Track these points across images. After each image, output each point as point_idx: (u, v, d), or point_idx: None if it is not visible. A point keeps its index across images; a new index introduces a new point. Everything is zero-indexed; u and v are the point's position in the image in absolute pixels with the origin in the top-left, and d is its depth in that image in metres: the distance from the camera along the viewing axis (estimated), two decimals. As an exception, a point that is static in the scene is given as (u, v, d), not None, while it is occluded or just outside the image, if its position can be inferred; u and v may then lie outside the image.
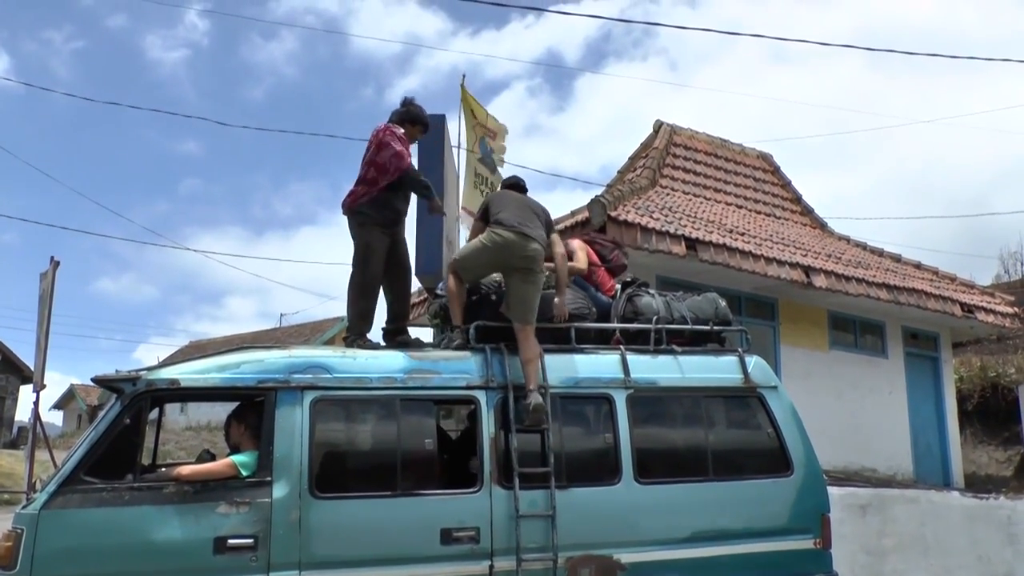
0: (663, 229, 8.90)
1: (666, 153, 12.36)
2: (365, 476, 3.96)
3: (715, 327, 4.80)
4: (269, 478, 3.69)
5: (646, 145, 12.79)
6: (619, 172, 12.57)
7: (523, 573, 3.86)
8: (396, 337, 4.78)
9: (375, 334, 4.85)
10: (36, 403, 7.87)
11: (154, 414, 4.35)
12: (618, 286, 5.08)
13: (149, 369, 3.92)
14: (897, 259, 12.80)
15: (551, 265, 4.78)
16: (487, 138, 7.56)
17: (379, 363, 4.11)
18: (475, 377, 4.17)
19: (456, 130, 7.12)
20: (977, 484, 12.25)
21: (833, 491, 5.01)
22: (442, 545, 3.80)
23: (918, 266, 12.68)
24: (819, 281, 10.07)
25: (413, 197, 5.01)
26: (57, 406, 43.28)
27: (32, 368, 8.59)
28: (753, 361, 4.68)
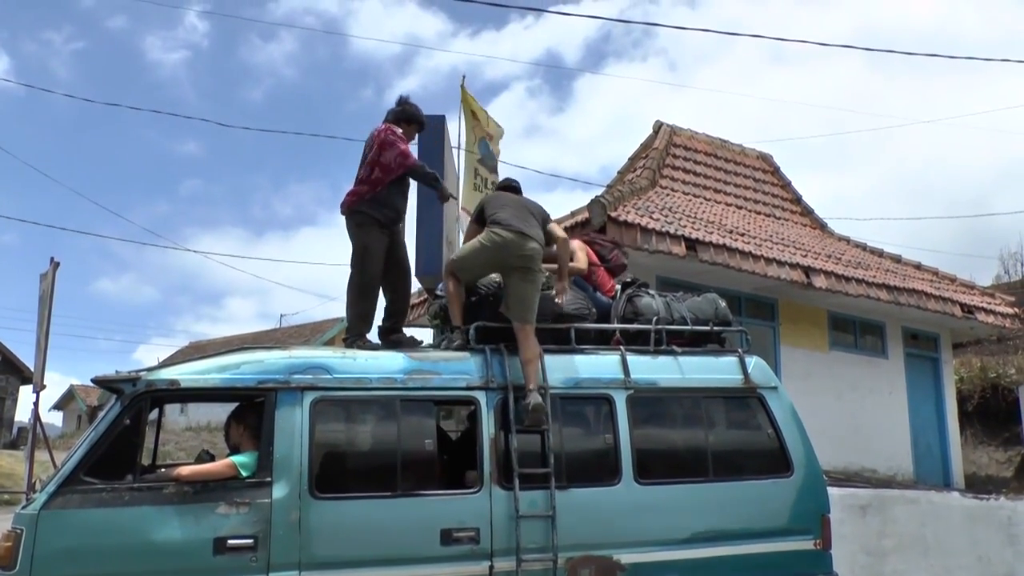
0: (663, 230, 8.90)
1: (666, 154, 12.37)
2: (365, 477, 3.96)
3: (715, 328, 4.79)
4: (269, 478, 3.69)
5: (646, 146, 12.79)
6: (619, 173, 12.57)
7: (523, 573, 3.86)
8: (391, 335, 4.78)
9: (374, 334, 4.86)
10: (36, 404, 7.88)
11: (154, 415, 4.34)
12: (618, 287, 5.08)
13: (149, 370, 3.92)
14: (897, 260, 12.80)
15: (551, 266, 4.78)
16: (487, 139, 7.56)
17: (379, 364, 4.10)
18: (475, 378, 4.17)
19: (456, 131, 7.13)
20: (977, 485, 12.25)
21: (833, 491, 5.01)
22: (442, 546, 3.79)
23: (918, 267, 12.68)
24: (819, 282, 10.07)
25: (412, 196, 5.03)
26: (57, 407, 43.30)
27: (32, 369, 8.59)
28: (753, 362, 4.68)
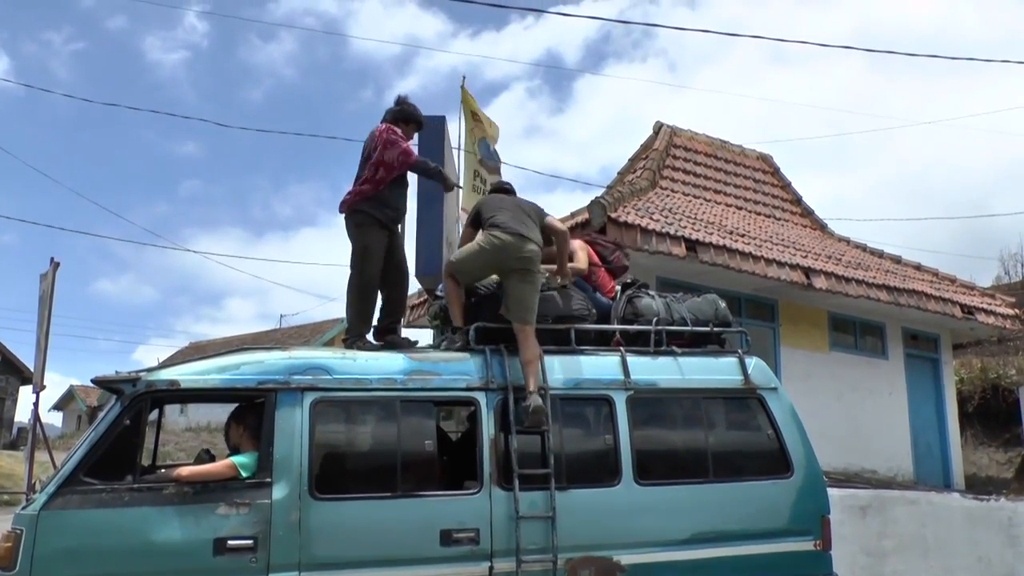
0: (663, 230, 8.90)
1: (666, 154, 12.37)
2: (365, 477, 3.96)
3: (715, 328, 4.79)
4: (269, 479, 3.69)
5: (646, 146, 12.80)
6: (619, 173, 12.58)
7: (523, 574, 3.86)
8: (386, 336, 4.78)
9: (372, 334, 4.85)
10: (36, 404, 7.88)
11: (154, 415, 4.34)
12: (618, 287, 5.09)
13: (149, 370, 3.92)
14: (897, 260, 12.80)
15: (550, 266, 4.79)
16: (487, 140, 7.55)
17: (379, 364, 4.10)
18: (475, 378, 4.17)
19: (456, 132, 7.13)
20: (977, 486, 12.25)
21: (833, 492, 5.01)
22: (442, 546, 3.79)
23: (918, 267, 12.68)
24: (819, 282, 10.07)
25: (411, 197, 5.04)
26: (57, 407, 43.32)
27: (32, 369, 8.59)
28: (753, 362, 4.68)
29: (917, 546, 7.41)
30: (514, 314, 4.34)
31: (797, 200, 13.79)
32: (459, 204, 6.80)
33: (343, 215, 4.86)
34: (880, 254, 12.93)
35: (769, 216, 12.75)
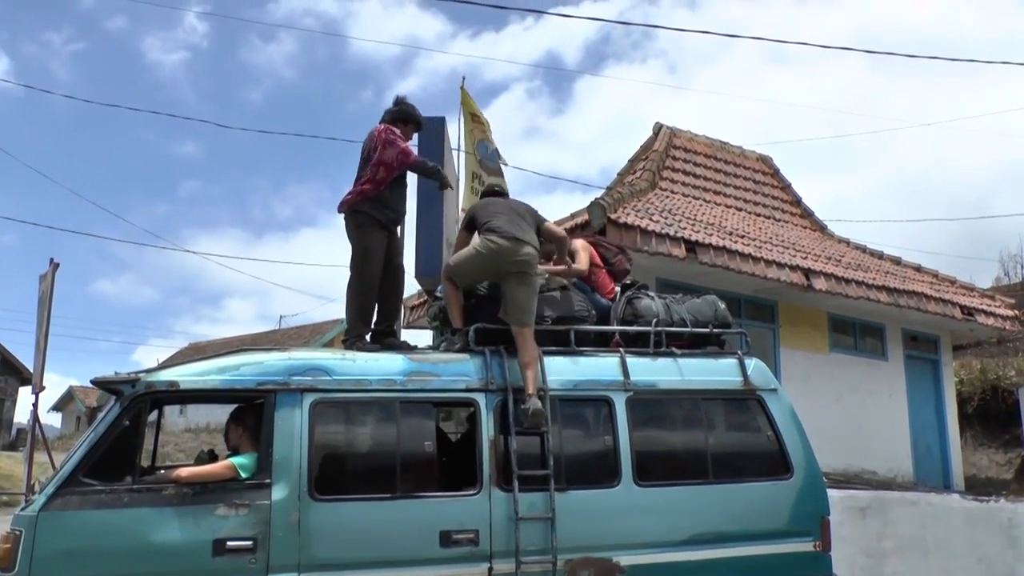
0: (663, 231, 8.91)
1: (666, 155, 12.38)
2: (364, 478, 3.95)
3: (715, 330, 4.79)
4: (268, 480, 3.69)
5: (646, 147, 12.81)
6: (619, 174, 12.59)
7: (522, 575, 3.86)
8: (385, 339, 4.78)
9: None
10: (35, 405, 7.86)
11: (153, 416, 4.34)
12: (617, 288, 5.09)
13: (148, 371, 3.91)
14: (897, 262, 12.80)
15: (551, 269, 4.79)
16: (487, 141, 7.56)
17: (378, 365, 4.10)
18: (474, 380, 4.17)
19: (456, 132, 7.13)
20: (977, 487, 12.24)
21: (833, 493, 5.01)
22: (441, 547, 3.79)
23: (918, 269, 12.69)
24: (819, 284, 10.07)
25: (410, 197, 5.05)
26: (56, 408, 43.32)
27: (31, 370, 8.59)
28: (753, 363, 4.68)
29: (917, 547, 7.41)
30: (512, 317, 4.34)
31: (797, 201, 13.79)
32: (459, 205, 6.81)
33: (343, 216, 4.85)
34: (880, 255, 12.93)
35: (769, 217, 12.75)
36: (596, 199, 9.06)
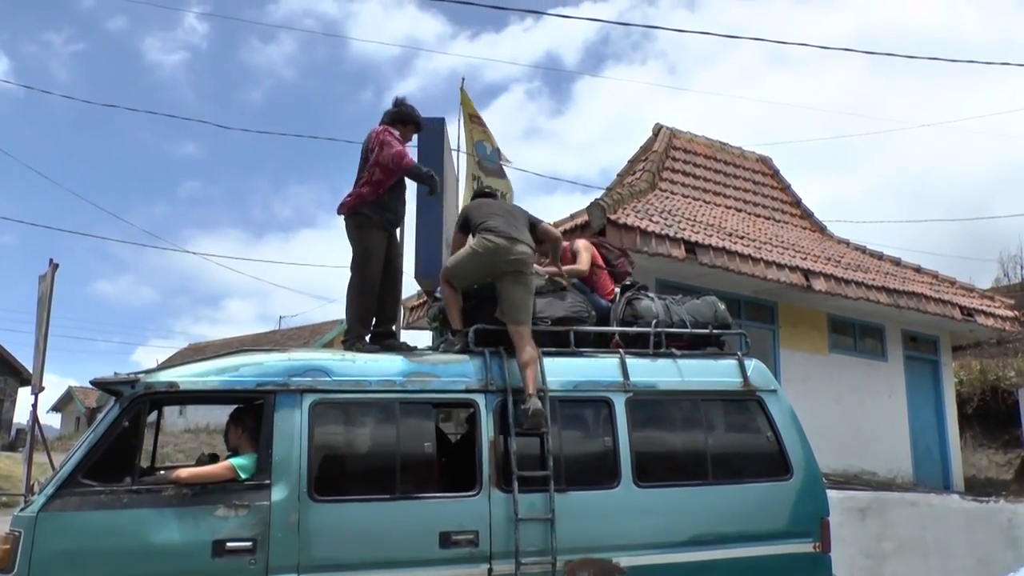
0: (662, 232, 8.91)
1: (665, 156, 12.38)
2: (364, 479, 3.95)
3: (714, 330, 4.79)
4: (268, 481, 3.69)
5: (645, 148, 12.81)
6: (618, 175, 12.59)
7: (522, 576, 3.85)
8: (384, 340, 4.77)
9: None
10: (34, 405, 7.87)
11: (153, 417, 4.34)
12: (617, 289, 5.09)
13: (148, 372, 3.91)
14: (897, 262, 12.80)
15: (548, 270, 4.79)
16: (485, 141, 7.56)
17: (378, 366, 4.10)
18: (474, 380, 4.17)
19: (456, 133, 7.14)
20: (977, 487, 12.24)
21: (832, 494, 5.01)
22: (441, 548, 3.79)
23: (918, 269, 12.69)
24: (819, 284, 10.07)
25: (410, 198, 5.03)
26: (55, 408, 43.31)
27: (31, 370, 8.59)
28: (752, 364, 4.68)
29: (917, 548, 7.41)
30: (509, 316, 4.35)
31: (797, 202, 13.79)
32: (459, 206, 6.81)
33: (343, 217, 4.85)
34: (880, 256, 12.93)
35: (769, 218, 12.75)
36: (596, 200, 9.06)
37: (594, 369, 4.39)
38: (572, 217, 10.09)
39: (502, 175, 7.69)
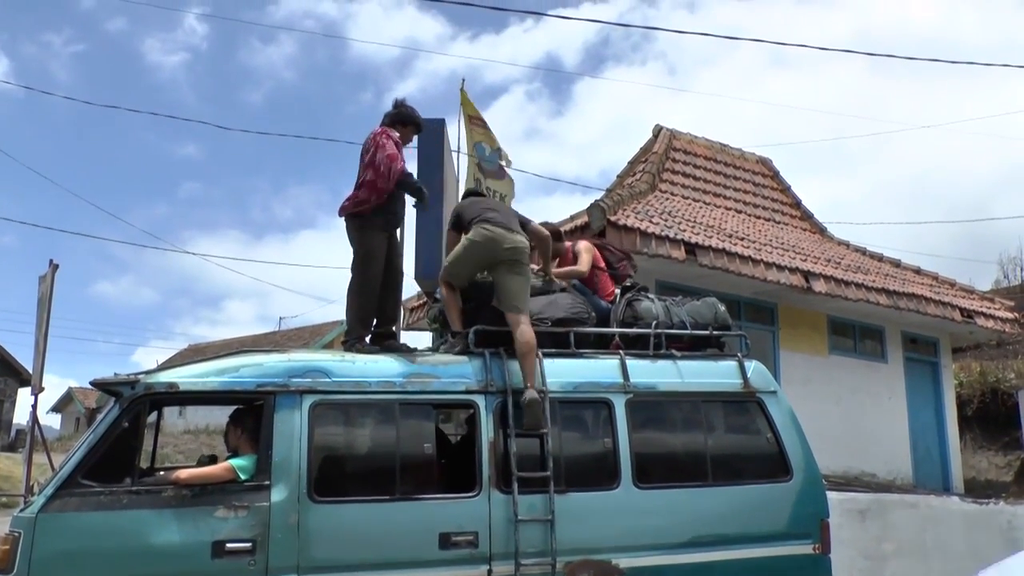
0: (662, 234, 8.91)
1: (665, 157, 12.39)
2: (364, 480, 3.95)
3: (714, 332, 4.79)
4: (268, 482, 3.69)
5: (645, 149, 12.82)
6: (618, 176, 12.60)
7: (521, 577, 3.85)
8: (384, 341, 4.77)
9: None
10: (34, 406, 7.87)
11: (152, 418, 4.34)
12: (617, 290, 5.09)
13: (148, 372, 3.91)
14: (896, 264, 12.81)
15: (554, 271, 4.79)
16: (485, 142, 7.57)
17: (378, 367, 4.10)
18: (474, 381, 4.17)
19: (456, 134, 7.14)
20: (977, 489, 12.24)
21: (832, 496, 5.00)
22: (441, 549, 3.79)
23: (918, 271, 12.69)
24: (818, 286, 10.08)
25: (410, 199, 5.03)
26: (55, 409, 43.31)
27: (30, 371, 8.59)
28: (752, 366, 4.68)
29: (916, 550, 7.40)
30: (506, 303, 4.36)
31: (797, 203, 13.80)
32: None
33: (344, 219, 4.84)
34: (879, 258, 12.94)
35: (768, 220, 12.76)
36: (596, 201, 9.07)
37: (594, 370, 4.39)
38: (572, 218, 10.10)
39: (502, 176, 7.69)
